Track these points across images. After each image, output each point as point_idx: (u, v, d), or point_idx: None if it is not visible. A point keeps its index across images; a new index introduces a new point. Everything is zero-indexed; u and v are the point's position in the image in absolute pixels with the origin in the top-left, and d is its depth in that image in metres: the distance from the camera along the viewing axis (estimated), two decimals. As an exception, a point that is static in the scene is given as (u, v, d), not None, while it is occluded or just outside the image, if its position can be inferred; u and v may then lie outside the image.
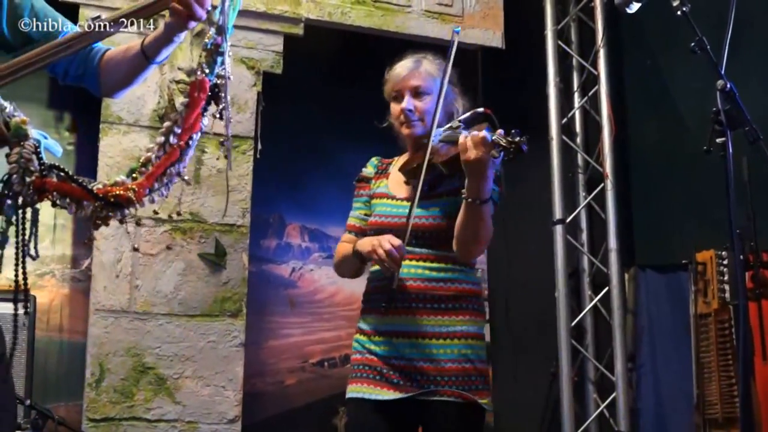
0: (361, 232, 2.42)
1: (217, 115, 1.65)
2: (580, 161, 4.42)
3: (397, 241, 2.16)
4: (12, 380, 1.82)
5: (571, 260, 4.25)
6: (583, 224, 4.39)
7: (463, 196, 2.16)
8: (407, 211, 2.25)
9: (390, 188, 2.40)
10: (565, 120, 4.32)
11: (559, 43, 4.38)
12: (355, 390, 2.30)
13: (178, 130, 1.61)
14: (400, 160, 2.47)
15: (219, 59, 1.65)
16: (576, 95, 4.46)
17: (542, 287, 4.18)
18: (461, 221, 2.19)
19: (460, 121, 2.31)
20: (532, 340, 4.31)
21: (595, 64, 4.32)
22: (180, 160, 1.62)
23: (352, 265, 2.37)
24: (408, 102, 2.35)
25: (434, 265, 2.27)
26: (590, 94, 4.37)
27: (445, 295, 2.27)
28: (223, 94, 1.65)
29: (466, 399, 2.22)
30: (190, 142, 1.62)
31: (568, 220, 4.19)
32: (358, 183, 2.50)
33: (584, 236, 4.38)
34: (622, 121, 4.27)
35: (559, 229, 4.13)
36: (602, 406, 4.10)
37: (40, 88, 3.79)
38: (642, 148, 4.24)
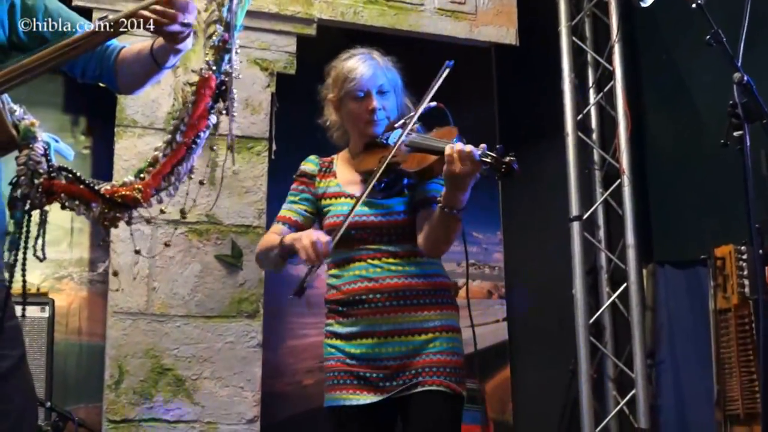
0: (295, 227, 2.37)
1: (224, 112, 1.65)
2: (596, 157, 4.40)
3: (325, 237, 2.13)
4: (32, 381, 1.83)
5: (589, 257, 4.23)
6: (600, 221, 4.36)
7: (439, 204, 2.16)
8: (368, 209, 2.27)
9: (344, 187, 2.38)
10: (580, 116, 4.30)
11: (574, 39, 4.35)
12: (335, 398, 2.29)
13: (184, 128, 1.61)
14: (341, 158, 2.45)
15: (226, 56, 1.65)
16: (591, 91, 4.43)
17: (560, 284, 4.16)
18: (434, 225, 2.19)
19: (412, 117, 2.30)
20: (550, 337, 4.29)
21: (610, 60, 4.29)
22: (187, 158, 1.62)
23: (273, 258, 2.30)
24: (378, 101, 2.34)
25: (410, 260, 2.28)
26: (606, 89, 4.35)
27: (425, 289, 2.28)
28: (229, 91, 1.64)
29: (453, 389, 2.23)
30: (198, 140, 1.62)
31: (585, 216, 4.17)
32: (299, 177, 2.45)
33: (601, 233, 4.35)
34: (639, 117, 4.24)
35: (575, 226, 4.11)
36: (622, 403, 4.07)
37: (55, 93, 3.81)
38: (659, 143, 4.20)
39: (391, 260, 2.28)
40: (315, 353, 4.11)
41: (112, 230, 1.67)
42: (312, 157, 2.48)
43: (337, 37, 3.99)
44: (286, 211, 2.41)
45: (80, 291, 3.78)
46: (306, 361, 4.04)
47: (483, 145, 2.10)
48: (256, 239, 3.70)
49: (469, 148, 2.07)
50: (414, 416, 2.23)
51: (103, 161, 3.72)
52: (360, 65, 2.35)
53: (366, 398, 2.24)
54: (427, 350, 2.25)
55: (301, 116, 4.07)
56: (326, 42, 3.93)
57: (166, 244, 3.52)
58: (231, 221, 3.68)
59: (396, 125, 2.34)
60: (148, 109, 3.64)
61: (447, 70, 2.26)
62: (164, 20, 1.59)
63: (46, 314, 3.31)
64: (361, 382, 2.26)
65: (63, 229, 3.73)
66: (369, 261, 2.28)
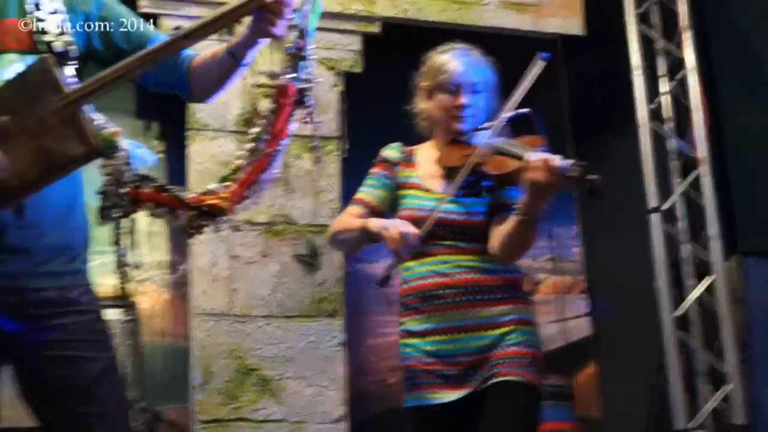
0: (373, 211, 2.34)
1: (306, 120, 1.66)
2: (672, 147, 4.28)
3: (414, 230, 2.12)
4: (123, 384, 1.87)
5: (670, 249, 4.11)
6: (680, 212, 4.23)
7: (516, 211, 2.14)
8: (450, 206, 2.25)
9: (423, 180, 2.36)
10: (653, 106, 4.19)
11: (642, 27, 4.24)
12: (415, 397, 2.28)
13: (267, 137, 1.63)
14: (423, 150, 2.43)
15: (302, 63, 1.66)
16: (663, 80, 4.31)
17: (641, 277, 4.06)
18: (510, 232, 2.17)
19: (501, 122, 2.27)
20: (635, 331, 4.18)
21: (680, 47, 4.17)
22: (270, 166, 1.64)
23: (352, 240, 2.31)
24: (468, 98, 2.32)
25: (482, 257, 2.26)
26: (678, 77, 4.23)
27: (497, 285, 2.26)
28: (308, 98, 1.66)
29: (530, 380, 2.20)
30: (279, 148, 1.64)
31: (663, 207, 4.06)
32: (381, 162, 2.43)
33: (682, 224, 4.22)
34: (714, 103, 4.11)
35: (655, 218, 4.00)
36: (716, 398, 3.90)
37: (128, 99, 3.89)
38: (737, 130, 4.06)
39: (462, 257, 2.26)
40: (397, 351, 4.13)
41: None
42: (395, 145, 2.46)
43: (408, 35, 3.99)
44: (365, 193, 2.39)
45: (161, 293, 3.87)
46: (389, 359, 4.05)
47: (571, 161, 2.07)
48: (333, 239, 3.72)
49: (557, 160, 2.05)
50: (489, 407, 2.20)
51: (177, 165, 3.79)
52: (455, 60, 2.34)
53: (446, 396, 2.23)
54: (503, 343, 2.22)
55: (372, 113, 4.11)
56: (395, 40, 3.93)
57: (264, 255, 3.58)
58: (306, 221, 3.72)
59: (483, 126, 2.32)
60: (218, 112, 3.70)
61: (542, 64, 2.22)
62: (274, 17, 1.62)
63: (132, 317, 3.41)
64: (440, 380, 2.24)
65: (142, 234, 3.82)
66: (441, 256, 2.27)
